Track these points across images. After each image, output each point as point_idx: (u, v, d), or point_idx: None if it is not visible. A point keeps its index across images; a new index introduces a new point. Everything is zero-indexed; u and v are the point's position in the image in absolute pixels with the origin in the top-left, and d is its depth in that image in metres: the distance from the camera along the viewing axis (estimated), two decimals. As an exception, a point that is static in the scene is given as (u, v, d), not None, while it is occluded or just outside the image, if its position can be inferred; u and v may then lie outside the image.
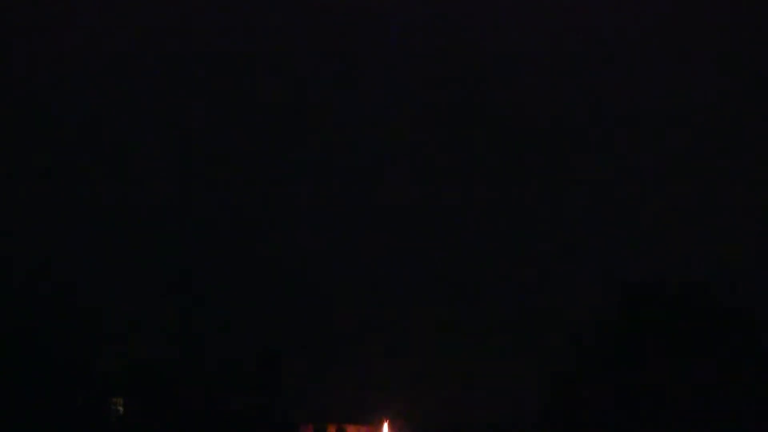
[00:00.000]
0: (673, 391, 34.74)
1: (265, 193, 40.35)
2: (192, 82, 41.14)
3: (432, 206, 40.25)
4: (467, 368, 38.63)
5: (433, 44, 40.41)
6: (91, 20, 41.33)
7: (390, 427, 38.38)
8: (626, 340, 35.92)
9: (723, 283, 36.02)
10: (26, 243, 39.42)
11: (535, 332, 38.26)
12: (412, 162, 40.65)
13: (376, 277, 39.96)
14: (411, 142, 40.79)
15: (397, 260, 40.03)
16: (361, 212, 40.16)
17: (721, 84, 39.89)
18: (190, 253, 40.41)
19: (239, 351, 38.66)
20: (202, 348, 38.49)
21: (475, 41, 39.73)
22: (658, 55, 40.56)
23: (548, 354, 37.22)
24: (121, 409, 36.49)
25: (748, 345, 35.17)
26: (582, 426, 36.09)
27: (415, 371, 38.95)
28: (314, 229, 40.20)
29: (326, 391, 38.67)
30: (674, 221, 39.05)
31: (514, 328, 38.62)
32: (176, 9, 41.00)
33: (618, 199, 39.73)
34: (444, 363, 38.92)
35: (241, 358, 38.65)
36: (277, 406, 38.53)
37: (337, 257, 39.94)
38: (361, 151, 40.42)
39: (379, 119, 40.32)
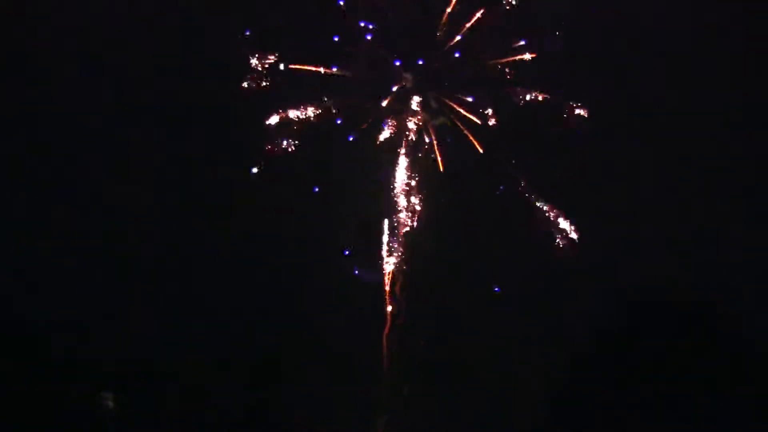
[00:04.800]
0: (671, 397, 34.71)
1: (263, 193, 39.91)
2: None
3: (432, 206, 39.85)
4: (465, 373, 38.62)
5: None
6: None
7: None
8: (624, 347, 35.93)
9: (721, 290, 36.06)
10: (20, 238, 39.18)
11: (532, 338, 38.18)
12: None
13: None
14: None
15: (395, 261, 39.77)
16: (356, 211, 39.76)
17: (724, 86, 39.48)
18: (186, 248, 40.23)
19: (236, 351, 38.57)
20: (197, 348, 38.30)
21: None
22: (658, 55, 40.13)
23: (546, 361, 37.26)
24: (111, 403, 36.30)
25: (747, 352, 35.13)
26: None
27: (411, 376, 39.01)
28: (311, 229, 39.77)
29: (322, 393, 38.47)
30: (673, 228, 38.92)
31: (512, 333, 38.47)
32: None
33: (617, 202, 39.45)
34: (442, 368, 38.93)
35: (237, 358, 38.55)
36: (272, 408, 38.47)
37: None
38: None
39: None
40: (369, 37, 39.38)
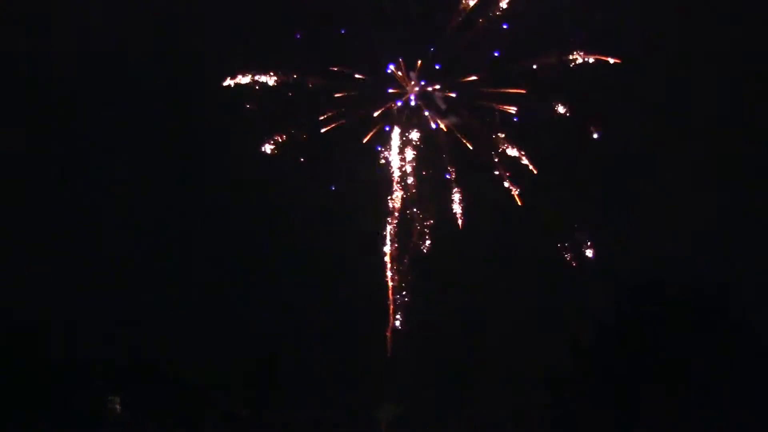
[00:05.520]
0: (672, 392, 34.70)
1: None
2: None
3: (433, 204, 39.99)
4: (465, 370, 38.65)
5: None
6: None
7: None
8: (625, 341, 35.93)
9: (721, 283, 36.03)
10: (22, 240, 39.17)
11: (533, 333, 38.16)
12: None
13: (372, 276, 39.77)
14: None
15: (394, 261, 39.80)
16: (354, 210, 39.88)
17: (725, 85, 39.51)
18: (188, 251, 40.23)
19: (235, 351, 38.64)
20: (198, 348, 38.33)
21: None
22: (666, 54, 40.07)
23: (547, 355, 37.23)
24: (118, 407, 36.30)
25: (747, 344, 35.10)
26: (581, 428, 36.07)
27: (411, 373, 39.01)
28: (311, 229, 39.79)
29: (321, 391, 38.52)
30: (674, 222, 38.84)
31: (513, 329, 38.46)
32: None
33: (618, 199, 39.41)
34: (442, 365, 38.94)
35: (237, 358, 38.62)
36: (271, 407, 38.50)
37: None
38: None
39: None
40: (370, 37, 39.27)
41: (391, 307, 39.57)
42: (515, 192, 38.97)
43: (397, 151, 39.59)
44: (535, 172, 38.96)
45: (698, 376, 34.65)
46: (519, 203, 38.94)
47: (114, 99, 40.70)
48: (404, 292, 39.65)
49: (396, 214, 39.56)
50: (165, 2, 40.42)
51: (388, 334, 39.52)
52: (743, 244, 37.88)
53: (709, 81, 39.37)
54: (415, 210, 39.70)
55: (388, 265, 39.59)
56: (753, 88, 39.12)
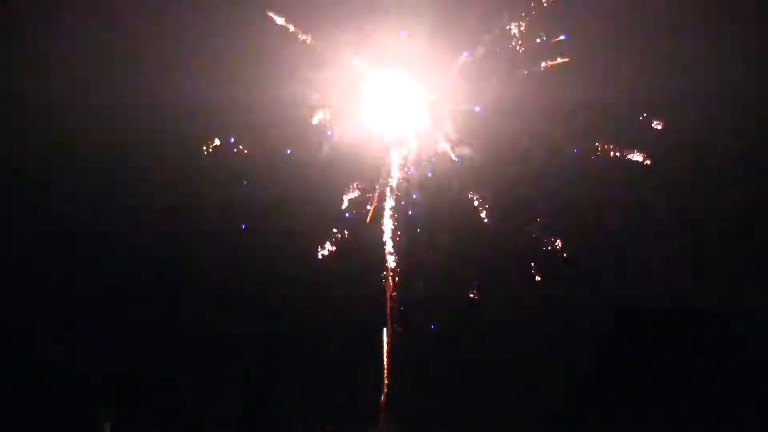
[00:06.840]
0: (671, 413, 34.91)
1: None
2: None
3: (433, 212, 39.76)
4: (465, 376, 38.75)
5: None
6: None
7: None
8: (623, 363, 36.06)
9: (722, 306, 36.08)
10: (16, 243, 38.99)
11: (531, 351, 38.25)
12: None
13: (372, 281, 39.66)
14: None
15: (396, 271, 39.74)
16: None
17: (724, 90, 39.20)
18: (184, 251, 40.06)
19: (233, 356, 38.62)
20: (194, 354, 38.35)
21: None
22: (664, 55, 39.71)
23: (544, 375, 37.34)
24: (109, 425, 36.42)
25: (746, 366, 35.24)
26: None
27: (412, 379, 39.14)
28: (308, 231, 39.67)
29: (319, 396, 38.58)
30: (674, 241, 38.81)
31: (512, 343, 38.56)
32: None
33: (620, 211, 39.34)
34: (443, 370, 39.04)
35: (233, 363, 38.62)
36: (268, 412, 38.61)
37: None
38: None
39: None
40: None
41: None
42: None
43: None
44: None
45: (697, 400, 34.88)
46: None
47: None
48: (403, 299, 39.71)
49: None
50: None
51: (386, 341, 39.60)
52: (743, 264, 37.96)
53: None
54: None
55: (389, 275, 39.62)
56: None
